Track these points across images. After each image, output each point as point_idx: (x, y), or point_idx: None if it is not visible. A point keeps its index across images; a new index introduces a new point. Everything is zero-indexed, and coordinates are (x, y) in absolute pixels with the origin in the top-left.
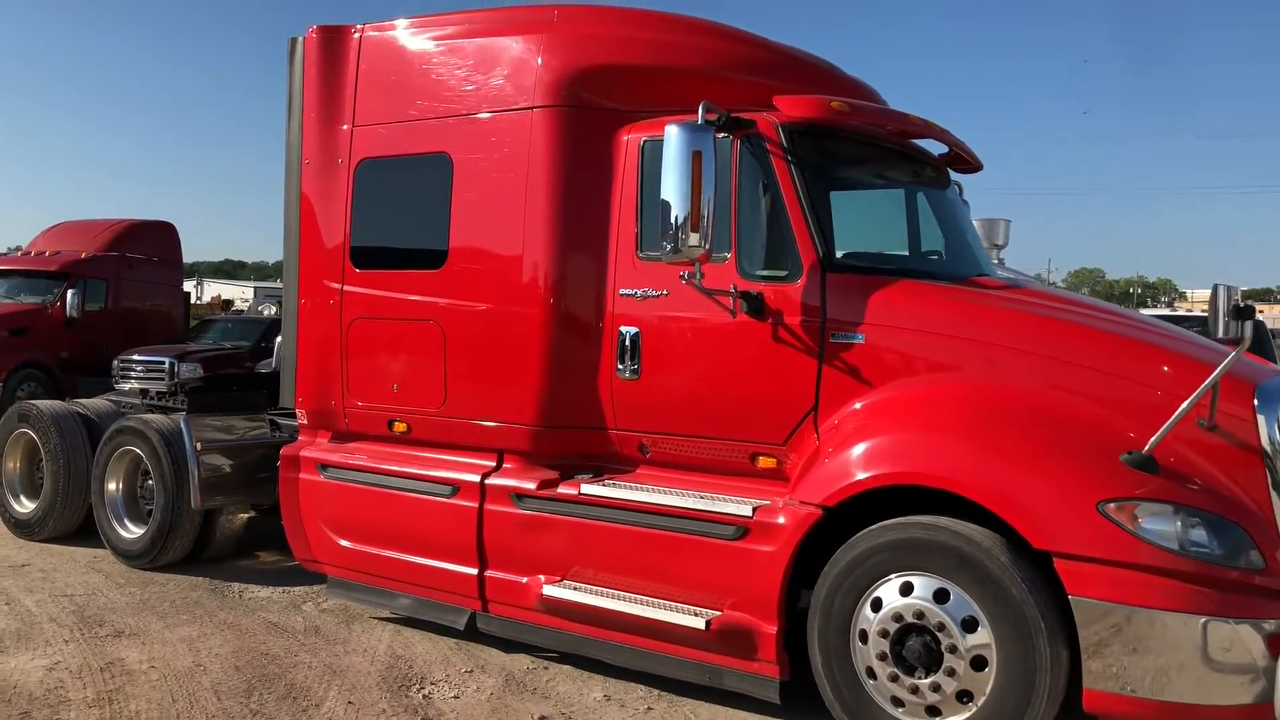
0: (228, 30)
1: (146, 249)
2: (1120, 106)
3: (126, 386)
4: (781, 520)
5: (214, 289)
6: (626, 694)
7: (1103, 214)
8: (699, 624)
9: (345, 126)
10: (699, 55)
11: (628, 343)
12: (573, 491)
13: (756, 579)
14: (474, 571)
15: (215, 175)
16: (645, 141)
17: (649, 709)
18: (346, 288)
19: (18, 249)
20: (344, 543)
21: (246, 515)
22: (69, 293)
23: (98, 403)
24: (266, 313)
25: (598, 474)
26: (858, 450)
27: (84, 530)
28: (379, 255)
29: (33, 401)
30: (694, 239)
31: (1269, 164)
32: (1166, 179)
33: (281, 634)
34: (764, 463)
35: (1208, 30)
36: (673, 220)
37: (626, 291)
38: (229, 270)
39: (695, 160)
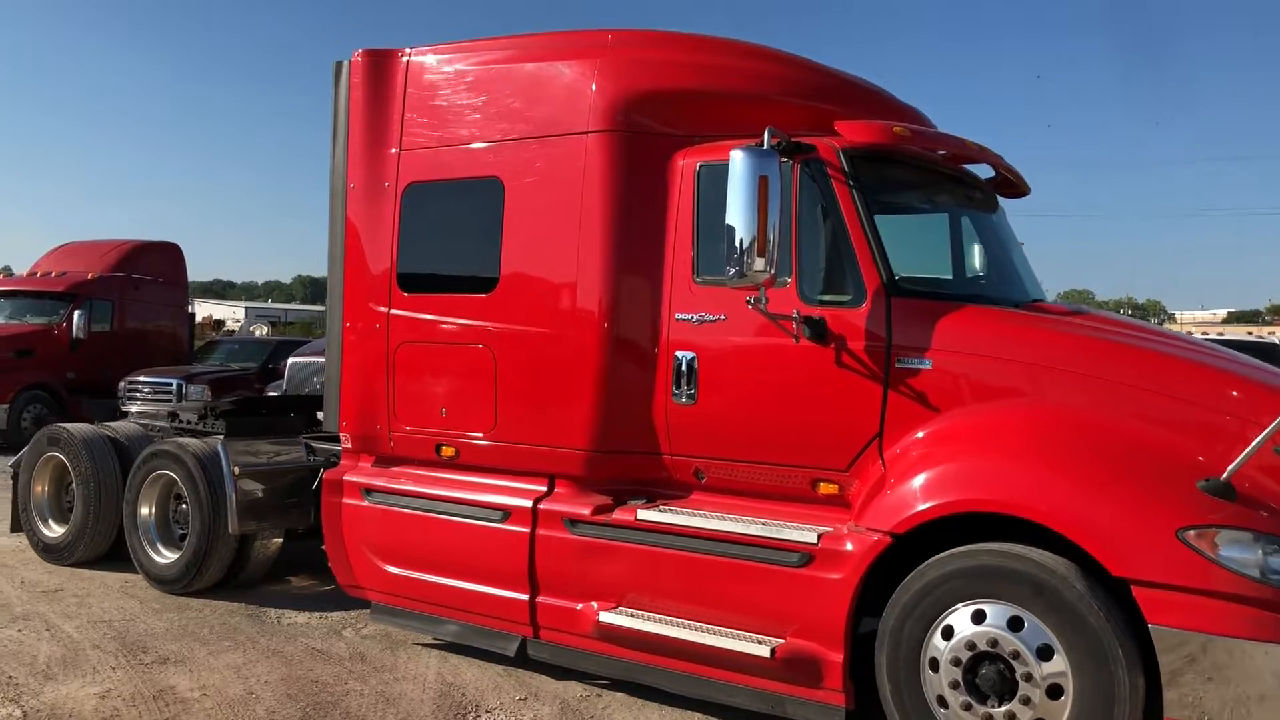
0: (218, 34)
1: (152, 270)
2: (1115, 119)
3: (134, 408)
4: (849, 547)
5: (204, 309)
6: None
7: (1094, 236)
8: (763, 652)
9: (392, 150)
10: (754, 80)
11: (684, 367)
12: (629, 517)
13: (822, 606)
14: (525, 597)
15: (204, 194)
16: (702, 166)
17: None
18: (394, 311)
19: (7, 269)
20: (389, 568)
21: (280, 540)
22: (76, 313)
23: (127, 426)
24: (259, 333)
25: (651, 499)
26: (929, 477)
27: (111, 554)
28: (427, 279)
29: (62, 425)
30: (760, 263)
31: (1261, 186)
32: (1158, 201)
33: (327, 661)
34: (825, 489)
35: (1201, 56)
36: (737, 244)
37: (683, 316)
38: (218, 290)
39: (761, 185)
